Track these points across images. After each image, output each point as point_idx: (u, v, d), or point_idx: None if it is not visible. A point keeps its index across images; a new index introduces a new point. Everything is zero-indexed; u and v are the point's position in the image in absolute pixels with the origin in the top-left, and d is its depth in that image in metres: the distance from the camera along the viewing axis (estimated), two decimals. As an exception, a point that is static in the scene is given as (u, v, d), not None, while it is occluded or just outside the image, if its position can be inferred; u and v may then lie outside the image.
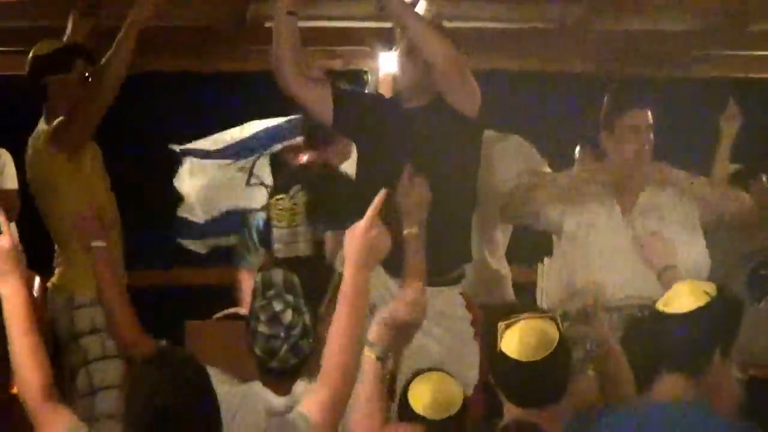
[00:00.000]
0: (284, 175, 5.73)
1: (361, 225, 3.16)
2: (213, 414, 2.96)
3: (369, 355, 3.41)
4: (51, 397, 3.18)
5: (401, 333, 3.54)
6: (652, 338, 3.25)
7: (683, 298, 3.22)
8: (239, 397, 3.59)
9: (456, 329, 4.48)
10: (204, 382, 2.97)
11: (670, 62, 6.55)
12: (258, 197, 6.46)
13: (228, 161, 6.49)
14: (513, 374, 3.27)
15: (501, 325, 3.28)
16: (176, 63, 5.69)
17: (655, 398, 3.23)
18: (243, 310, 5.02)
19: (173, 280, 6.71)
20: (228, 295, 5.77)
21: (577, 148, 6.08)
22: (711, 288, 3.25)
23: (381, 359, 3.45)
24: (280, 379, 3.64)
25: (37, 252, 5.01)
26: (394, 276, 4.30)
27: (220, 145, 6.45)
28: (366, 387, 3.38)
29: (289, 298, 3.65)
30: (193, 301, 6.23)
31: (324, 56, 6.62)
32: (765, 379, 5.16)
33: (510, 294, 5.57)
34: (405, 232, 4.21)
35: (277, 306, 3.66)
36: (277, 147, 6.54)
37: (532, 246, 4.73)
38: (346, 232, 3.20)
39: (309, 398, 3.20)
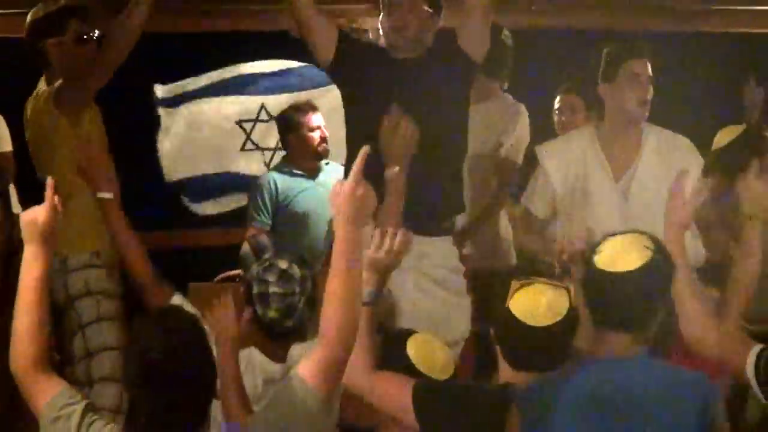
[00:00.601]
0: None
1: (347, 184, 3.13)
2: (206, 375, 2.95)
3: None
4: (43, 368, 3.18)
5: (381, 275, 3.54)
6: (599, 297, 3.17)
7: (628, 255, 3.14)
8: (241, 363, 3.58)
9: (451, 281, 4.47)
10: (199, 342, 2.96)
11: (673, 16, 6.50)
12: (253, 162, 6.48)
13: (223, 97, 6.52)
14: (514, 334, 3.25)
15: (516, 283, 3.27)
16: (169, 23, 5.64)
17: (601, 356, 3.17)
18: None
19: (175, 242, 6.69)
20: (230, 256, 5.77)
21: (557, 98, 6.03)
22: (648, 241, 3.18)
23: (368, 303, 3.45)
24: (282, 341, 3.63)
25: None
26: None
27: (208, 82, 6.48)
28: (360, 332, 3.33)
29: (287, 255, 3.64)
30: (196, 262, 6.23)
31: (327, 15, 6.55)
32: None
33: (512, 257, 5.54)
34: (386, 171, 4.15)
35: (283, 264, 3.66)
36: (276, 97, 6.56)
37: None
38: (332, 191, 3.18)
39: (306, 361, 3.14)
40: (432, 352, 3.50)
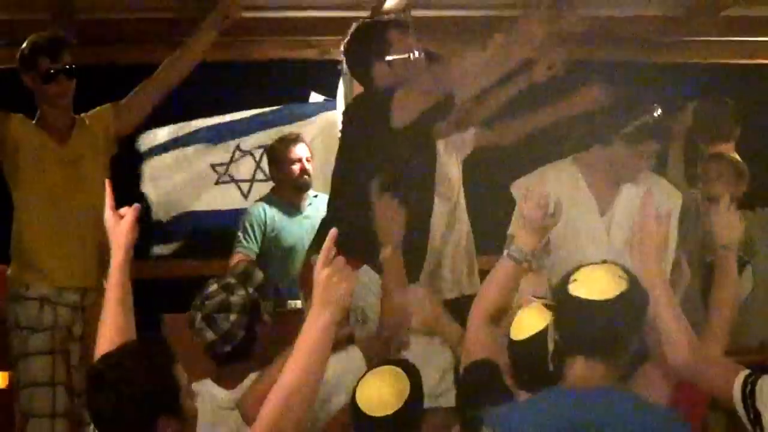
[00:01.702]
0: None
1: (317, 266, 2.98)
2: (152, 393, 3.00)
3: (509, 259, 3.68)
4: None
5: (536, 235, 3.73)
6: (572, 325, 3.19)
7: (604, 284, 3.16)
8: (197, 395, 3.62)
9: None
10: (151, 362, 3.02)
11: (642, 47, 6.57)
12: (229, 196, 6.52)
13: (197, 146, 6.57)
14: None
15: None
16: (148, 54, 5.69)
17: (570, 384, 3.18)
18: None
19: (149, 272, 6.69)
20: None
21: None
22: (623, 272, 3.21)
23: (518, 260, 3.68)
24: (229, 367, 3.73)
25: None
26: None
27: (186, 131, 6.52)
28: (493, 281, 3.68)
29: (241, 290, 3.74)
30: (170, 293, 6.24)
31: (299, 46, 6.61)
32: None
33: (477, 284, 5.53)
34: (381, 253, 4.18)
35: (221, 293, 3.89)
36: (258, 135, 6.61)
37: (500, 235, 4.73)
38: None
39: None
40: (376, 390, 3.46)
